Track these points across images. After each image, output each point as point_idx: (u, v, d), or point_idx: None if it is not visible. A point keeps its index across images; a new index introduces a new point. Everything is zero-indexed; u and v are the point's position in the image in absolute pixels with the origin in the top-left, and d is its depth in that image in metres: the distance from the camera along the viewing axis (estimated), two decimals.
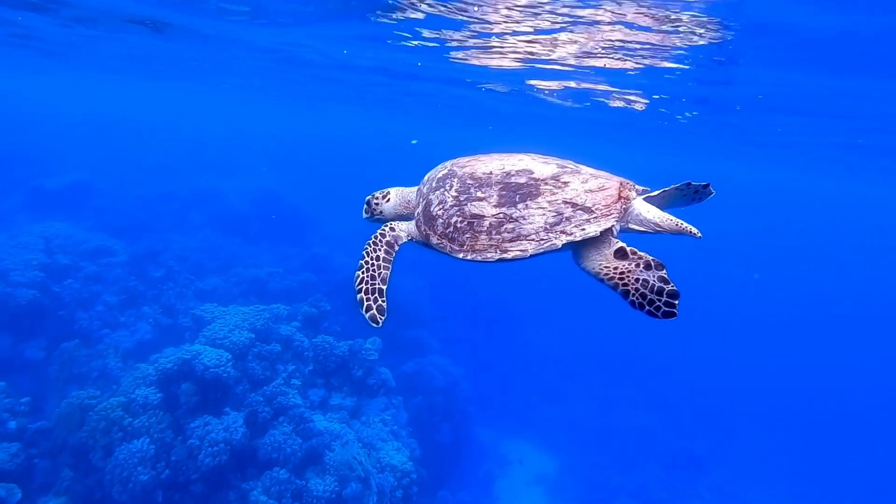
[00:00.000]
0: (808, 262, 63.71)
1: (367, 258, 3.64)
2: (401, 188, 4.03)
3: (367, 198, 4.09)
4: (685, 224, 3.19)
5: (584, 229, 3.08)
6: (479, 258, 3.24)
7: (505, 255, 3.17)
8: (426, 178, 3.75)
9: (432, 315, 22.36)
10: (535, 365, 25.84)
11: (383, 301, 3.53)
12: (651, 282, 2.89)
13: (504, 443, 20.95)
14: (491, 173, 3.31)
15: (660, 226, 3.21)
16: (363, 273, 3.60)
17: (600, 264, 3.05)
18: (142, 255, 18.34)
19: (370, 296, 3.54)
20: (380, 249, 3.66)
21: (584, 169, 3.34)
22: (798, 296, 46.95)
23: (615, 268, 3.00)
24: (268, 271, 19.16)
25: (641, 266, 2.95)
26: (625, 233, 3.30)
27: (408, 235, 3.71)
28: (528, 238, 3.13)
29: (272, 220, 25.12)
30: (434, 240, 3.47)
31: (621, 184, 3.22)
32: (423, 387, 17.09)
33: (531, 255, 3.13)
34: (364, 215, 4.12)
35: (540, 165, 3.30)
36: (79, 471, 10.09)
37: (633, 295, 2.90)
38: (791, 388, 27.01)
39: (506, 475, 19.62)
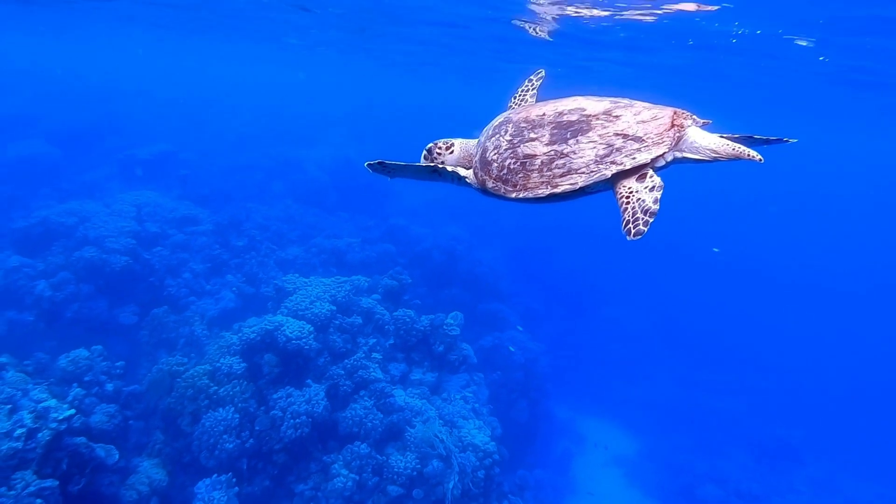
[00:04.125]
0: None
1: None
2: (465, 140, 3.94)
3: (430, 145, 3.97)
4: (744, 148, 3.09)
5: (634, 158, 3.08)
6: (530, 195, 3.26)
7: (555, 190, 3.18)
8: (485, 128, 3.76)
9: (510, 289, 21.91)
10: (615, 342, 25.09)
11: (384, 164, 3.57)
12: (646, 201, 2.94)
13: (582, 421, 20.48)
14: (544, 114, 3.34)
15: (717, 152, 3.14)
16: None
17: (623, 186, 3.09)
18: (225, 224, 18.67)
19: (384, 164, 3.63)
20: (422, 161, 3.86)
21: (639, 103, 3.29)
22: None
23: (629, 188, 3.06)
24: (347, 242, 19.16)
25: (649, 188, 3.00)
26: (681, 163, 3.24)
27: (466, 174, 3.71)
28: (578, 171, 3.14)
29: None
30: (490, 184, 3.48)
31: (675, 112, 3.18)
32: (501, 362, 16.79)
33: (582, 188, 3.14)
34: (423, 162, 3.96)
35: (593, 103, 3.29)
36: (168, 434, 10.34)
37: (628, 212, 2.96)
38: None
39: (583, 454, 19.20)
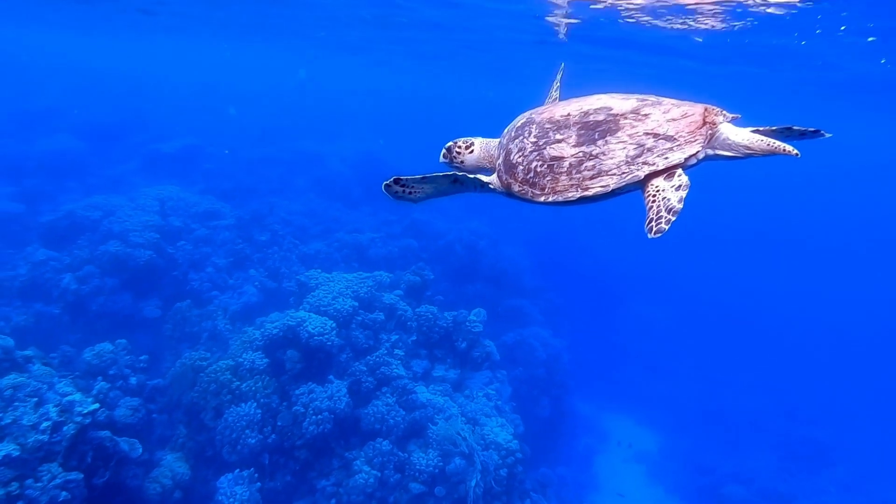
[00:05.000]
0: None
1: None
2: (485, 139, 3.84)
3: (449, 144, 3.87)
4: (779, 143, 3.01)
5: (666, 158, 3.00)
6: (560, 199, 3.18)
7: (586, 193, 3.11)
8: (506, 130, 3.65)
9: (533, 284, 21.73)
10: (639, 337, 24.84)
11: (410, 190, 3.42)
12: (671, 200, 2.89)
13: (604, 417, 20.31)
14: (569, 115, 3.24)
15: (750, 148, 3.08)
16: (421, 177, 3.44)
17: (651, 185, 3.03)
18: (248, 218, 18.70)
19: (407, 185, 3.42)
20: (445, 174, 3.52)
21: (666, 100, 3.19)
22: None
23: (656, 186, 3.00)
24: (369, 237, 19.09)
25: (675, 187, 2.94)
26: (713, 160, 3.17)
27: (490, 182, 3.56)
28: (609, 173, 3.06)
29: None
30: (515, 187, 3.38)
31: (706, 109, 3.08)
32: (523, 359, 16.65)
33: (613, 190, 3.07)
34: (441, 160, 3.92)
35: (619, 101, 3.19)
36: (192, 428, 10.37)
37: (651, 211, 2.91)
38: None
39: (605, 451, 19.06)
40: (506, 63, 25.93)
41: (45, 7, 24.29)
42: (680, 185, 2.94)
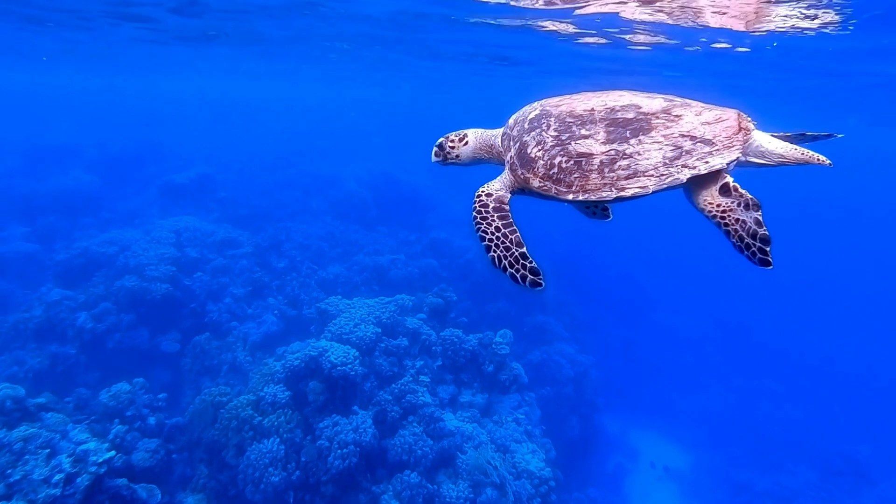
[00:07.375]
0: None
1: (487, 235, 3.28)
2: (480, 130, 3.68)
3: (440, 140, 3.72)
4: (812, 153, 3.00)
5: (707, 162, 2.90)
6: (592, 198, 3.02)
7: (622, 193, 2.96)
8: (513, 120, 3.42)
9: (557, 299, 21.19)
10: (667, 350, 24.14)
11: (531, 262, 3.17)
12: (748, 224, 2.81)
13: (634, 434, 19.68)
14: (593, 110, 3.08)
15: (784, 157, 3.03)
16: (495, 252, 3.23)
17: (705, 200, 2.96)
18: (265, 245, 18.47)
19: (516, 265, 3.22)
20: (494, 219, 3.32)
21: (694, 102, 3.11)
22: None
23: (718, 205, 2.92)
24: (389, 258, 18.77)
25: (742, 205, 2.86)
26: (743, 166, 3.08)
27: (503, 187, 3.39)
28: (646, 174, 2.93)
29: None
30: (536, 183, 3.18)
31: (739, 115, 3.01)
32: (550, 377, 16.21)
33: (653, 192, 2.96)
34: (434, 159, 3.75)
35: (645, 100, 3.07)
36: (213, 467, 10.04)
37: (734, 237, 2.84)
38: None
39: (636, 470, 18.44)
40: (522, 81, 25.60)
41: (46, 44, 24.35)
42: (748, 205, 2.84)
